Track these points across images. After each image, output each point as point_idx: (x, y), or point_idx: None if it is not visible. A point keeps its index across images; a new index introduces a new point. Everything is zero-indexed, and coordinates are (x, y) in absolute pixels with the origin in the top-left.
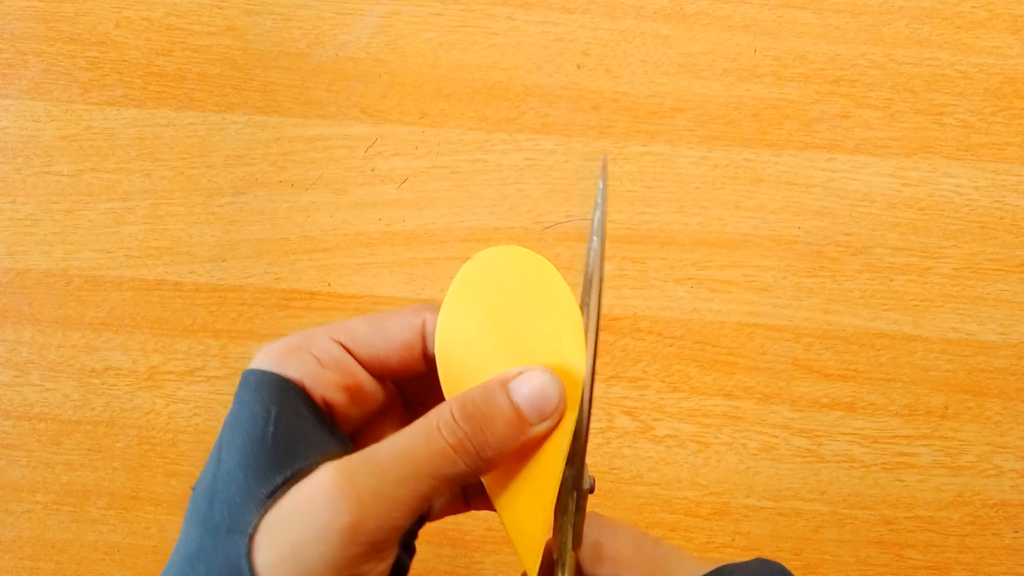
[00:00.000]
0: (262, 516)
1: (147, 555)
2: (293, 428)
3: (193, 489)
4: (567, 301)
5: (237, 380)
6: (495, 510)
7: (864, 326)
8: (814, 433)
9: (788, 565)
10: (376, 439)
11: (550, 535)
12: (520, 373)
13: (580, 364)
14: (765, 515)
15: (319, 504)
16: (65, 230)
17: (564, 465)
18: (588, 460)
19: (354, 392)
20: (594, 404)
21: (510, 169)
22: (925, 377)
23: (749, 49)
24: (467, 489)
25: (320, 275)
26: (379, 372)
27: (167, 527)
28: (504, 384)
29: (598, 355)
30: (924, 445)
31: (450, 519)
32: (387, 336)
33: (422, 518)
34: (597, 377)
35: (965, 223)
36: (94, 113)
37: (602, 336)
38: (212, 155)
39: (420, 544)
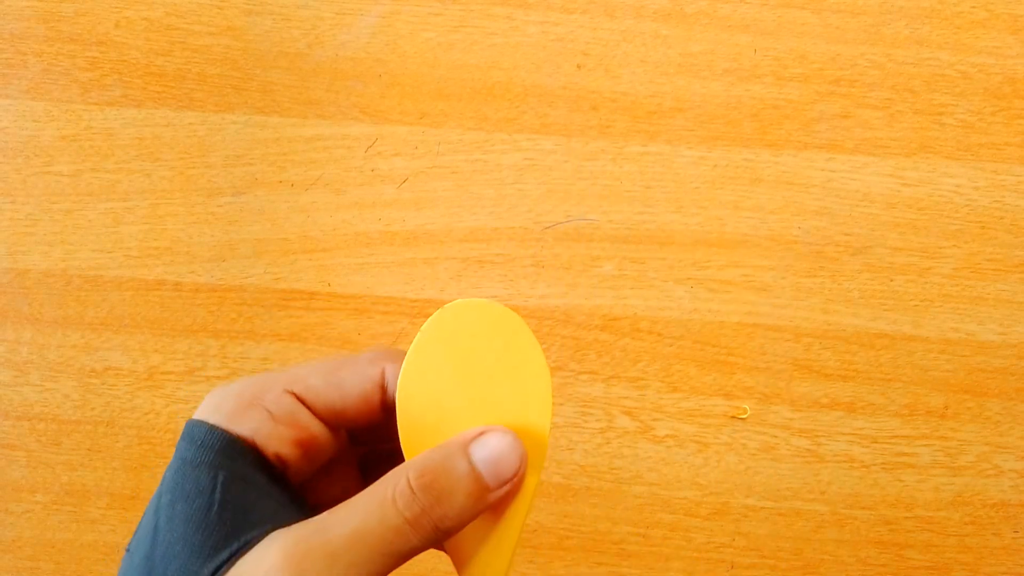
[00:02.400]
0: None
1: None
2: (241, 497)
3: (128, 551)
4: (536, 360)
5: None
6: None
7: (864, 326)
8: (814, 433)
9: (788, 565)
10: (327, 487)
11: None
12: (480, 434)
13: (545, 425)
14: (765, 515)
15: None
16: (65, 230)
17: (523, 523)
18: (588, 461)
19: (308, 446)
20: (593, 405)
21: (509, 169)
22: (925, 377)
23: (749, 49)
24: None
25: (319, 275)
26: (334, 423)
27: None
28: (464, 447)
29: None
30: (924, 445)
31: None
32: (343, 390)
33: None
34: (597, 376)
35: (965, 223)
36: (94, 113)
37: (602, 336)
38: (212, 155)
39: None
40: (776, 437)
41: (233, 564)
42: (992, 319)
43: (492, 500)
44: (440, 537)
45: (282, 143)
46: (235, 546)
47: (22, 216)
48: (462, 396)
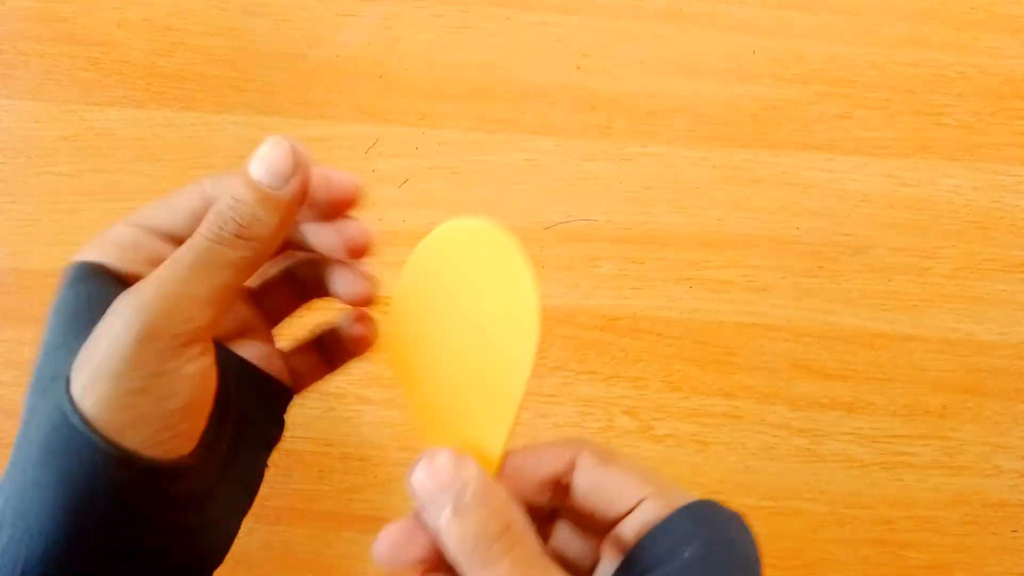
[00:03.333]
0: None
1: None
2: (107, 296)
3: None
4: (524, 281)
5: None
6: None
7: (863, 326)
8: (813, 433)
9: (787, 564)
10: None
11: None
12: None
13: (530, 342)
14: (764, 515)
15: (114, 319)
16: (66, 230)
17: (519, 404)
18: None
19: (159, 263)
20: (594, 404)
21: (509, 169)
22: (924, 377)
23: (748, 50)
24: (327, 353)
25: None
26: (178, 243)
27: None
28: (243, 168)
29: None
30: (923, 445)
31: None
32: (173, 208)
33: (289, 392)
34: (597, 376)
35: (964, 223)
36: (95, 113)
37: (602, 336)
38: (212, 156)
39: None
40: (776, 437)
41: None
42: (991, 319)
43: (285, 198)
44: (258, 246)
45: None
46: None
47: (23, 216)
48: (451, 316)
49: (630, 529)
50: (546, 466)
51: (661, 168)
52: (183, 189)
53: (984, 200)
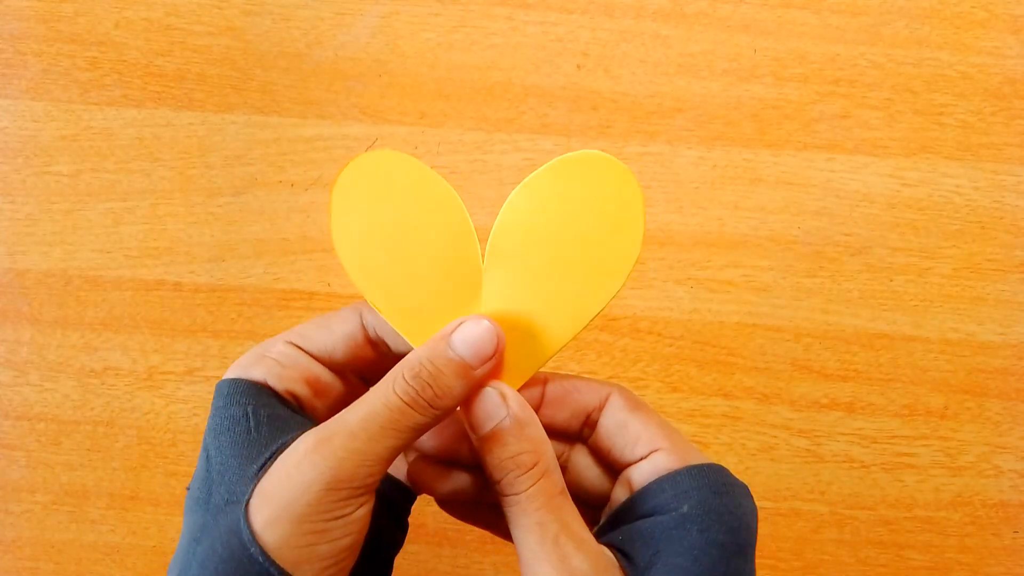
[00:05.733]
0: (255, 485)
1: (147, 555)
2: (272, 417)
3: (188, 488)
4: (455, 208)
5: None
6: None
7: (863, 326)
8: (813, 433)
9: (788, 566)
10: None
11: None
12: (459, 324)
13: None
14: (764, 515)
15: (304, 466)
16: (64, 230)
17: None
18: None
19: (314, 384)
20: None
21: (509, 169)
22: (924, 377)
23: (748, 49)
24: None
25: (320, 275)
26: (332, 364)
27: (167, 527)
28: (445, 339)
29: None
30: (923, 445)
31: (450, 519)
32: (332, 331)
33: (412, 495)
34: (596, 376)
35: (964, 223)
36: (93, 113)
37: (602, 336)
38: (211, 155)
39: (420, 544)
40: (776, 437)
41: (276, 458)
42: (992, 319)
43: (478, 376)
44: (441, 415)
45: (282, 143)
46: (275, 447)
47: (22, 216)
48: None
49: (640, 474)
50: (583, 399)
51: (661, 168)
52: (340, 313)
53: (985, 200)
